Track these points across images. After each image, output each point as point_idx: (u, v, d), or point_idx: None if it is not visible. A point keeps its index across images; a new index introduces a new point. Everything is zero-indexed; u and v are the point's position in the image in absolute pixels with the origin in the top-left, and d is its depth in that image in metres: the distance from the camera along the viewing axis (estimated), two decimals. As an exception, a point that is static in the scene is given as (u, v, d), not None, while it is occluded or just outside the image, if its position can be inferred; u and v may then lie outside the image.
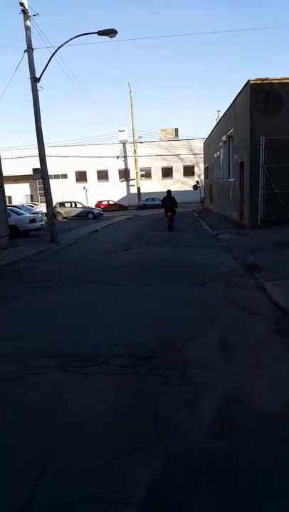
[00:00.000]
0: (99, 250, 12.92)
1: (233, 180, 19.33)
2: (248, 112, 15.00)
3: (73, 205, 33.12)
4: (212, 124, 28.44)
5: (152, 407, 3.26)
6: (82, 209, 32.23)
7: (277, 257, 9.46)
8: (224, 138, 21.31)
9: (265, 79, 14.46)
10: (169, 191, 18.02)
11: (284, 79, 14.47)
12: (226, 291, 6.97)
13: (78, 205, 32.95)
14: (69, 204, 33.30)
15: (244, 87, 15.49)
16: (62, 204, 33.28)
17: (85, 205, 35.55)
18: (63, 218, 31.84)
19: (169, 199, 17.43)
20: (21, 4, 14.14)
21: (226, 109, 20.54)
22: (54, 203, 33.69)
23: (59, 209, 32.51)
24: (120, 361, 4.19)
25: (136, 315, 5.78)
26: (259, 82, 14.48)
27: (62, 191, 43.84)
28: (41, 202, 40.81)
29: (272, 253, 9.96)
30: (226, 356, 4.26)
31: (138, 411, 3.25)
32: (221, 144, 22.78)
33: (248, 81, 14.67)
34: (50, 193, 16.16)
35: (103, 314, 5.98)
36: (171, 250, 11.88)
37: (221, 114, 24.07)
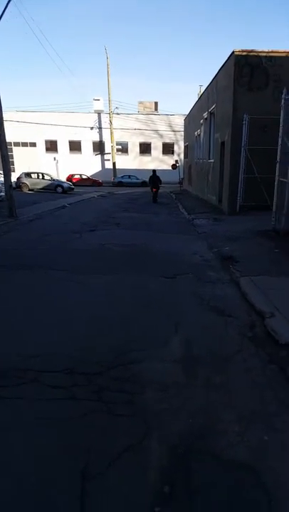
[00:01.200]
0: (62, 229, 11.87)
1: (212, 161, 18.45)
2: (231, 86, 14.00)
3: (41, 177, 30.82)
4: (194, 99, 27.26)
5: (83, 457, 2.44)
6: (50, 181, 30.22)
7: (254, 247, 8.75)
8: (205, 115, 20.28)
9: (251, 50, 13.44)
10: (154, 171, 21.70)
11: (272, 52, 13.49)
12: (197, 286, 6.19)
13: (46, 177, 30.72)
14: (36, 175, 30.97)
15: (228, 58, 14.43)
16: (28, 175, 30.91)
17: (56, 177, 33.67)
18: (29, 190, 29.84)
19: (154, 177, 21.09)
20: None
21: (208, 84, 19.43)
22: (20, 173, 32.14)
23: (24, 180, 30.18)
24: (54, 379, 3.33)
25: (87, 315, 4.88)
26: (244, 53, 13.45)
27: (31, 161, 41.68)
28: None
29: (249, 243, 9.25)
30: (190, 374, 3.49)
31: (61, 463, 2.43)
32: (201, 121, 21.75)
33: (233, 52, 13.61)
34: (9, 162, 14.81)
35: (46, 311, 5.04)
36: (143, 235, 11.00)
37: (203, 89, 22.90)
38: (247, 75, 13.80)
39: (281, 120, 9.95)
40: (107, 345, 3.99)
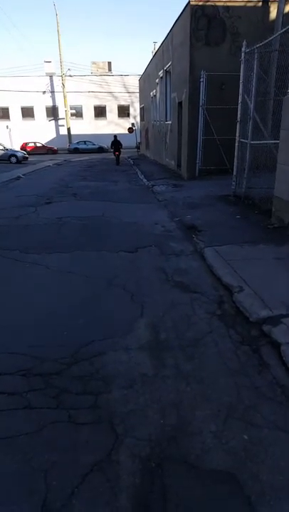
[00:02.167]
0: (16, 203, 11.09)
1: (170, 123, 17.80)
2: (187, 40, 13.22)
3: (-7, 147, 29.30)
4: (149, 58, 25.97)
5: (40, 486, 2.10)
6: (3, 151, 28.54)
7: (216, 214, 8.50)
8: (161, 73, 19.37)
9: (208, 0, 12.65)
10: (115, 136, 23.75)
11: (229, 1, 12.74)
12: (160, 259, 5.88)
13: (-1, 147, 29.22)
14: (-13, 146, 29.40)
15: (184, 9, 13.55)
16: (-22, 145, 29.30)
17: (9, 146, 31.86)
18: (-18, 162, 28.25)
19: (116, 142, 23.08)
20: None
21: (163, 39, 18.42)
22: None
23: (-24, 151, 28.67)
24: (5, 384, 2.94)
25: (41, 302, 4.43)
26: (201, 3, 12.63)
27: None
28: None
29: (210, 210, 8.99)
30: (157, 363, 3.21)
31: (12, 501, 2.08)
32: (157, 80, 20.82)
33: (189, 1, 12.73)
34: None
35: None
36: (101, 205, 10.45)
37: (158, 47, 21.77)
38: (204, 27, 13.05)
39: (241, 76, 9.48)
40: (66, 337, 3.61)
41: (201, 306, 4.24)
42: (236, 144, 9.92)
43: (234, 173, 10.11)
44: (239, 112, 9.68)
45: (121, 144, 23.38)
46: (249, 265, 5.18)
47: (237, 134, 9.86)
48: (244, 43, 9.27)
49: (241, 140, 9.69)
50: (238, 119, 9.75)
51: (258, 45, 8.62)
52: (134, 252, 6.28)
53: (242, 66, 9.47)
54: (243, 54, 9.35)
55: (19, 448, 2.32)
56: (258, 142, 9.02)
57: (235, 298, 4.27)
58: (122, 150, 23.67)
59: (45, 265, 5.67)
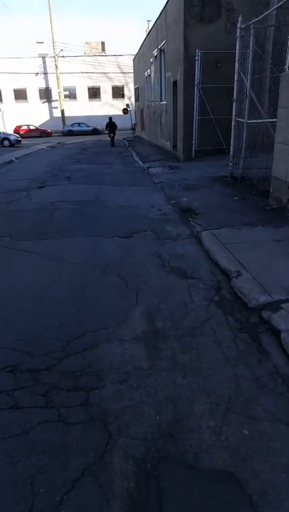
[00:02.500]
0: (8, 187, 10.82)
1: (165, 103, 17.35)
2: (182, 17, 12.75)
3: (-14, 131, 28.85)
4: (143, 37, 25.20)
5: (27, 495, 1.95)
6: (-5, 134, 28.21)
7: (212, 196, 8.28)
8: (155, 52, 18.80)
9: (203, -25, 12.13)
10: (110, 118, 23.21)
11: (224, -23, 12.22)
12: (156, 245, 5.69)
13: (-8, 131, 28.77)
14: (-19, 129, 28.94)
15: (178, -14, 13.05)
16: (-27, 129, 28.87)
17: (2, 129, 31.30)
18: (-27, 145, 27.78)
19: (111, 124, 22.83)
20: None
21: (156, 17, 17.80)
22: None
23: None
24: (-6, 381, 2.80)
25: (32, 292, 4.25)
26: (195, -21, 12.14)
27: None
28: None
29: (207, 192, 8.76)
30: (153, 355, 3.06)
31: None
32: (151, 59, 20.23)
33: (183, -22, 12.24)
34: None
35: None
36: (95, 189, 10.20)
37: (151, 25, 21.08)
38: (198, 3, 12.56)
39: (237, 53, 9.13)
40: (57, 328, 3.45)
41: (199, 292, 4.08)
42: (233, 124, 9.62)
43: (231, 153, 9.84)
44: (235, 91, 9.35)
45: (116, 126, 23.26)
46: (247, 249, 5.01)
47: (233, 113, 9.55)
48: (240, 18, 8.88)
49: (238, 119, 9.39)
50: (235, 98, 9.42)
51: (253, 21, 8.25)
52: (129, 237, 6.09)
53: (237, 43, 9.11)
54: (238, 30, 8.97)
55: (4, 452, 2.18)
56: (255, 121, 8.73)
57: (234, 283, 4.11)
58: (116, 132, 23.45)
59: (37, 252, 5.48)
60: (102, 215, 7.48)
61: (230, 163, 9.94)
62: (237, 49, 9.13)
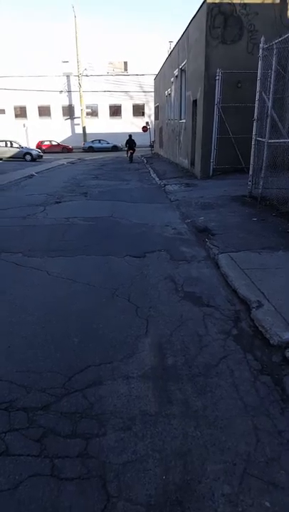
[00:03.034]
0: (26, 201, 10.74)
1: (184, 121, 17.27)
2: (203, 38, 12.72)
3: (9, 145, 29.26)
4: (164, 57, 25.41)
5: None
6: (18, 149, 28.63)
7: (230, 216, 7.97)
8: (176, 72, 18.84)
9: (225, -3, 12.10)
10: (130, 135, 24.20)
11: (246, -2, 12.17)
12: (169, 266, 5.40)
13: (15, 145, 29.15)
14: (3, 143, 29.41)
15: (200, 7, 13.04)
16: (-5, 143, 29.43)
17: (25, 144, 31.87)
18: (-3, 160, 28.37)
19: (130, 141, 23.84)
20: None
21: (178, 38, 17.89)
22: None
23: (-8, 149, 28.82)
24: (-16, 422, 2.51)
25: (36, 316, 3.95)
26: (217, 0, 12.11)
27: (0, 129, 39.38)
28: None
29: (225, 211, 8.45)
30: (162, 397, 2.73)
31: None
32: (172, 79, 20.29)
33: (205, 0, 12.24)
34: None
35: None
36: (110, 205, 10.01)
37: (173, 46, 21.23)
38: (220, 25, 12.52)
39: (259, 73, 8.94)
40: (59, 359, 3.16)
41: (215, 323, 3.75)
42: (253, 143, 9.37)
43: (250, 172, 9.56)
44: (256, 110, 9.13)
45: (135, 143, 24.18)
46: (268, 275, 4.66)
47: (254, 133, 9.31)
48: (262, 38, 8.73)
49: (258, 139, 9.14)
50: (255, 117, 9.20)
51: (276, 41, 8.07)
52: (142, 257, 5.81)
53: (260, 62, 8.93)
54: (261, 50, 8.81)
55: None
56: (276, 141, 8.46)
57: (254, 315, 3.76)
58: (136, 149, 24.00)
59: (46, 271, 5.24)
60: (115, 233, 7.25)
61: (249, 183, 9.66)
62: (259, 69, 8.94)
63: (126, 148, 25.02)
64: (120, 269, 5.31)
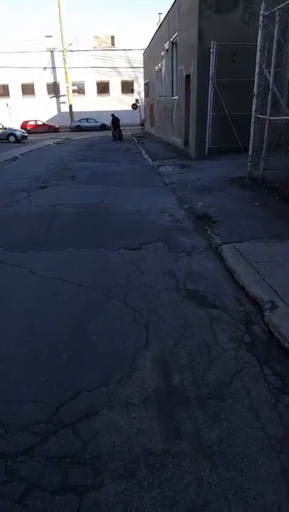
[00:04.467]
0: (8, 187, 10.08)
1: (177, 98, 16.48)
2: (196, 7, 11.87)
3: (-9, 126, 28.13)
4: (154, 31, 24.24)
5: None
6: (1, 130, 27.37)
7: (230, 200, 7.46)
8: (167, 45, 17.91)
9: None
10: (113, 114, 24.65)
11: None
12: (168, 259, 4.91)
13: (-3, 126, 28.04)
14: (-14, 124, 28.24)
15: (192, -27, 12.17)
16: (-23, 124, 28.19)
17: (8, 125, 30.62)
18: (-20, 141, 27.17)
19: (115, 120, 24.29)
20: None
21: (169, 8, 16.92)
22: None
23: (-25, 130, 27.59)
24: None
25: (18, 327, 3.44)
26: None
27: (-17, 109, 37.91)
28: None
29: (224, 195, 7.93)
30: (169, 432, 2.28)
31: None
32: (162, 53, 19.34)
33: None
34: None
35: None
36: (101, 189, 9.41)
37: (163, 17, 20.17)
38: (214, -8, 11.70)
39: (258, 43, 8.26)
40: (44, 383, 2.68)
41: (224, 328, 3.30)
42: (252, 121, 8.76)
43: (250, 152, 9.00)
44: (256, 85, 8.50)
45: (119, 120, 24.59)
46: (280, 269, 4.20)
47: (253, 109, 8.69)
48: (263, 5, 7.99)
49: (258, 116, 8.54)
50: (255, 93, 8.57)
51: (279, 7, 7.37)
52: (137, 249, 5.31)
53: (259, 32, 8.23)
54: (261, 17, 8.10)
55: None
56: (278, 118, 7.89)
57: (268, 319, 3.31)
58: (124, 128, 23.92)
59: (30, 269, 4.71)
60: (107, 221, 6.71)
61: (248, 164, 9.11)
62: (259, 39, 8.26)
63: (112, 128, 25.20)
64: (114, 265, 4.81)
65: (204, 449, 2.16)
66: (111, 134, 25.20)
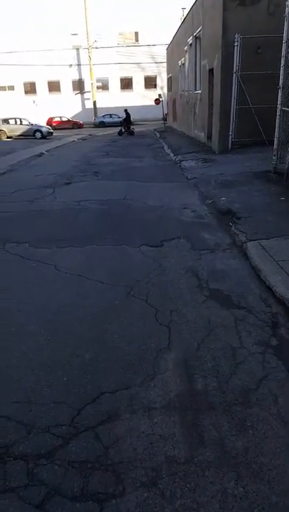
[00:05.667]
0: (34, 183, 10.17)
1: (200, 92, 16.23)
2: (220, 0, 11.62)
3: (18, 122, 28.43)
4: (177, 26, 23.89)
5: None
6: (28, 127, 27.79)
7: (255, 196, 7.27)
8: (190, 40, 17.63)
9: None
10: (126, 110, 25.19)
11: None
12: (191, 257, 4.81)
13: (24, 122, 28.31)
14: (13, 121, 28.54)
15: None
16: (5, 121, 28.49)
17: (35, 121, 30.97)
18: (8, 138, 27.58)
19: (128, 116, 24.90)
20: None
21: (192, 3, 16.62)
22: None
23: (2, 127, 27.90)
24: None
25: (39, 323, 3.45)
26: None
27: (10, 105, 38.41)
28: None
29: (248, 190, 7.74)
30: (193, 439, 2.21)
31: None
32: (186, 47, 19.05)
33: None
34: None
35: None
36: (123, 185, 9.37)
37: (186, 12, 19.84)
38: (239, -15, 11.40)
39: (285, 35, 7.97)
40: (65, 384, 2.65)
41: (250, 331, 3.19)
42: (278, 113, 8.52)
43: (275, 146, 8.75)
44: (282, 77, 8.22)
45: (130, 116, 25.52)
46: (307, 269, 4.04)
47: (279, 102, 8.44)
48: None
49: (284, 109, 8.29)
50: (280, 85, 8.31)
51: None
52: (159, 246, 5.24)
53: (285, 23, 7.95)
54: (287, 8, 7.82)
55: None
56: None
57: (296, 321, 3.18)
58: (146, 123, 24.76)
59: (54, 265, 4.72)
60: (129, 218, 6.66)
61: (273, 157, 8.87)
62: (285, 30, 7.97)
63: (123, 123, 25.55)
64: (135, 262, 4.75)
65: (229, 458, 2.08)
66: (123, 130, 25.16)
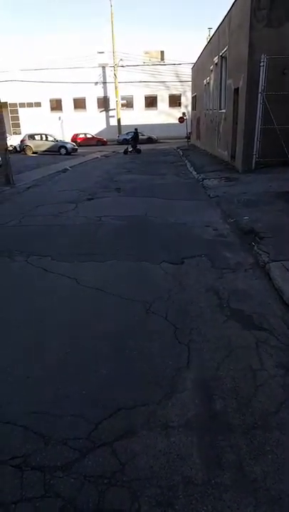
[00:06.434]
0: (57, 198, 10.40)
1: (224, 111, 16.37)
2: (247, 21, 11.80)
3: (44, 138, 29.33)
4: (203, 45, 24.34)
5: None
6: (53, 143, 28.61)
7: (278, 216, 7.22)
8: (216, 59, 17.90)
9: (272, -25, 11.14)
10: (136, 129, 27.09)
11: (296, -25, 11.16)
12: (212, 276, 4.79)
13: (50, 138, 29.18)
14: (39, 137, 29.49)
15: (244, -12, 12.14)
16: (31, 136, 29.48)
17: (60, 137, 31.84)
18: (33, 153, 28.42)
19: (136, 135, 26.57)
20: None
21: (219, 23, 16.95)
22: (23, 135, 30.62)
23: (28, 142, 28.95)
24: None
25: (59, 337, 3.50)
26: (264, -21, 11.18)
27: (36, 121, 39.61)
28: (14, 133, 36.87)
29: (272, 210, 7.70)
30: (210, 460, 2.18)
31: None
32: (211, 67, 19.34)
33: (250, -21, 11.32)
34: (3, 122, 13.14)
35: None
36: (145, 202, 9.46)
37: (213, 32, 20.23)
38: (266, 6, 11.56)
39: (311, 56, 8.04)
40: (83, 397, 2.67)
41: (271, 353, 3.14)
42: (303, 134, 8.52)
43: (300, 167, 8.73)
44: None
45: (138, 135, 27.06)
46: None
47: (305, 122, 8.45)
48: None
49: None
50: (307, 105, 8.34)
51: None
52: (179, 263, 5.24)
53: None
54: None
55: None
56: None
57: None
58: (169, 141, 24.72)
59: (76, 279, 4.78)
60: (150, 234, 6.71)
61: (298, 178, 8.83)
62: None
63: (131, 142, 26.40)
64: (155, 278, 4.77)
65: (247, 483, 2.04)
66: (130, 148, 25.40)
